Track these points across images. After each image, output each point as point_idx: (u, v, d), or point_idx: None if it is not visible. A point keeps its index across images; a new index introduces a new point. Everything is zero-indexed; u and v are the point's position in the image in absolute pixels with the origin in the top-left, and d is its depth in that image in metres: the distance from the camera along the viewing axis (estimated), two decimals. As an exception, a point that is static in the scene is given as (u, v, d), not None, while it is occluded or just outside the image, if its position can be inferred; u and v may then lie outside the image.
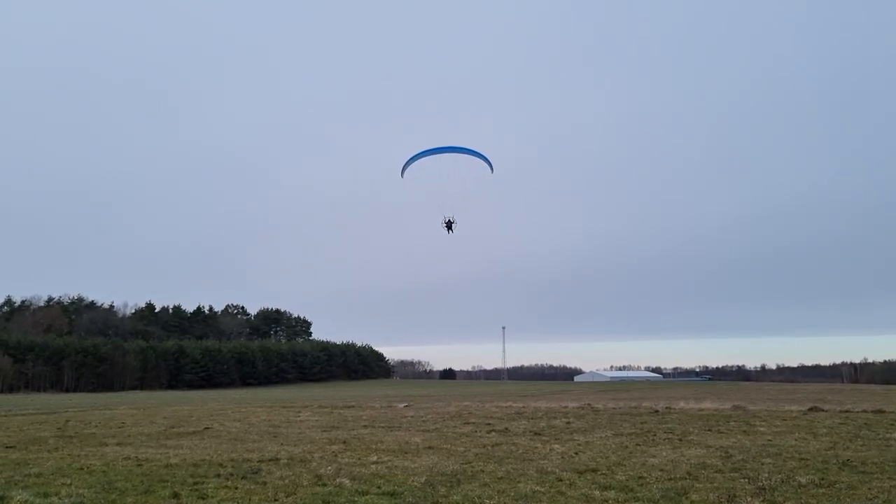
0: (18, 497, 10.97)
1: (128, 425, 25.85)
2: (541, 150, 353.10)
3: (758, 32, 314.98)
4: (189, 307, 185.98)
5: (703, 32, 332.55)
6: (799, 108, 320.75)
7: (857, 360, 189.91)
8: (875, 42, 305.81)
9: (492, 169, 33.06)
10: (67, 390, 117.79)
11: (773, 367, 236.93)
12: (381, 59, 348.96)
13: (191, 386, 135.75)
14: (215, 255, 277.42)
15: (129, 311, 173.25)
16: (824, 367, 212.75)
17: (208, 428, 24.05)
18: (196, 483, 12.21)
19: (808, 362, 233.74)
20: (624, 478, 12.47)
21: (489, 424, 23.63)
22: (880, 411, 27.62)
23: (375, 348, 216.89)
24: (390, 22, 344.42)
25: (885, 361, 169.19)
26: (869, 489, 11.26)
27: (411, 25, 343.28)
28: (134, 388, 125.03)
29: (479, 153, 32.37)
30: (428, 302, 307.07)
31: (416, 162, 32.29)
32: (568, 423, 24.13)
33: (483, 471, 13.37)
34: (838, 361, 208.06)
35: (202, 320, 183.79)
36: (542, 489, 11.42)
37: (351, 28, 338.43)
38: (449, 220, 32.36)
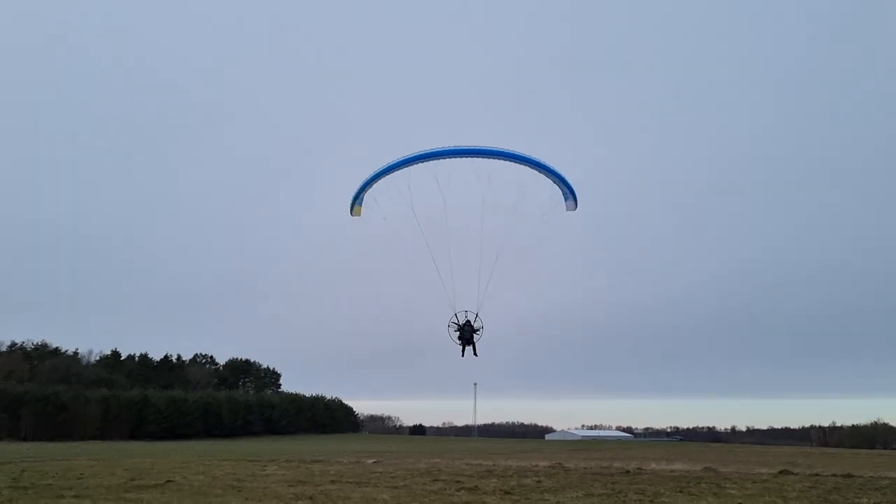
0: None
1: (86, 476, 25.02)
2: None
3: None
4: (156, 356, 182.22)
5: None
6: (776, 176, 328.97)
7: (825, 424, 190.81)
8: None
9: (575, 202, 18.82)
10: (25, 439, 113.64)
11: (744, 428, 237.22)
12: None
13: (153, 437, 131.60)
14: (186, 302, 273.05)
15: (94, 358, 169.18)
16: (794, 429, 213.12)
17: (170, 481, 23.37)
18: (156, 538, 11.83)
19: (778, 425, 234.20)
20: (594, 539, 12.33)
21: (459, 482, 23.26)
22: (849, 475, 27.69)
23: (345, 402, 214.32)
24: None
25: (852, 426, 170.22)
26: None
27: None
28: (94, 438, 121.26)
29: (544, 165, 17.74)
30: (399, 357, 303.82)
31: (383, 177, 17.62)
32: (538, 482, 23.85)
33: (452, 530, 13.14)
34: (807, 425, 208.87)
35: (169, 369, 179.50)
36: (512, 550, 11.24)
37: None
38: (466, 325, 17.90)
